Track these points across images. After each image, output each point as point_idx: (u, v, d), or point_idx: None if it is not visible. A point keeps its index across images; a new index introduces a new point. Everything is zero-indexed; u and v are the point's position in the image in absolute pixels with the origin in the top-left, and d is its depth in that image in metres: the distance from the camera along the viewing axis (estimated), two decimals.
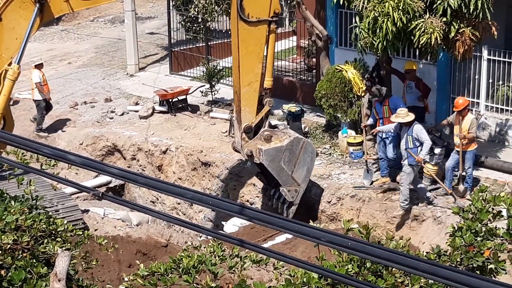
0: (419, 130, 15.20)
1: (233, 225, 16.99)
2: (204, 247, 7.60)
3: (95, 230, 16.13)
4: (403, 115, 15.23)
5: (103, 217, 17.64)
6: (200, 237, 15.96)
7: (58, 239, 7.40)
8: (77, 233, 7.77)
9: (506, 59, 17.85)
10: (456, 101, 15.88)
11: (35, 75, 21.63)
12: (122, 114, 22.52)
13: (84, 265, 7.75)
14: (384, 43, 15.31)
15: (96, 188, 18.69)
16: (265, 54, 15.50)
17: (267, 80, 15.50)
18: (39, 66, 21.90)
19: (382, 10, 15.02)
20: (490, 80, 18.29)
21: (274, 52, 15.71)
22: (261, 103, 15.59)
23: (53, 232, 7.48)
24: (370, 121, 16.90)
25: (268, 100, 15.54)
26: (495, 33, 15.54)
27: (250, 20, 14.95)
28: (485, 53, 18.09)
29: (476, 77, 18.38)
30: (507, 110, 18.24)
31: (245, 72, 15.17)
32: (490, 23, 15.40)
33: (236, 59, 15.34)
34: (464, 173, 15.79)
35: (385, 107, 16.45)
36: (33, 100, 21.84)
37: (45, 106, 21.80)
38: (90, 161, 4.53)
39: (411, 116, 15.18)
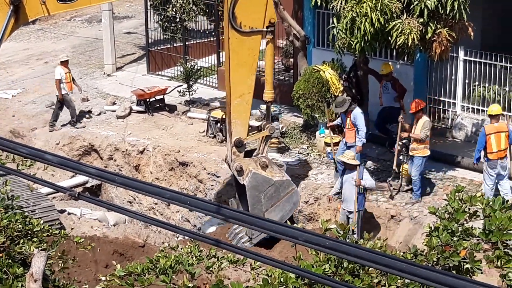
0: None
1: (210, 225, 16.99)
2: (182, 248, 7.59)
3: (72, 230, 16.05)
4: (349, 157, 14.93)
5: (80, 217, 17.57)
6: (177, 237, 15.93)
7: (34, 239, 7.36)
8: (53, 233, 7.73)
9: (482, 60, 17.96)
10: (410, 103, 16.01)
11: (56, 72, 21.50)
12: (99, 114, 22.44)
13: (60, 265, 7.71)
14: (362, 44, 15.34)
15: (73, 188, 18.68)
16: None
17: (267, 93, 14.90)
18: (64, 63, 21.64)
19: (360, 10, 15.05)
20: (466, 81, 18.39)
21: (273, 63, 15.05)
22: (269, 116, 15.28)
23: (29, 232, 7.45)
24: (337, 121, 16.84)
25: (269, 127, 14.95)
26: (472, 33, 15.63)
27: (242, 30, 14.24)
28: (461, 53, 18.19)
29: (453, 77, 18.48)
30: (483, 111, 18.33)
31: (237, 83, 14.41)
32: (466, 23, 15.48)
33: (227, 70, 14.62)
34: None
35: (348, 119, 16.34)
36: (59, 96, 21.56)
37: (69, 100, 21.51)
38: (67, 160, 4.52)
39: (355, 162, 14.94)
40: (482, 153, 15.39)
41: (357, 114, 16.23)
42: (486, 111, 17.60)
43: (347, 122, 16.33)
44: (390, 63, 18.18)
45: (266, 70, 14.82)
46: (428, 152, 15.77)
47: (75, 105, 21.90)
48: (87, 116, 22.35)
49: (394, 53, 18.08)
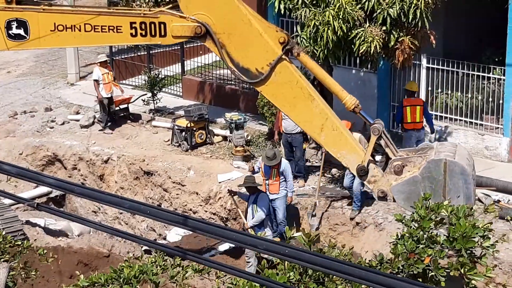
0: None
1: (176, 234, 16.93)
2: (146, 258, 7.55)
3: (35, 240, 15.90)
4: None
5: (44, 227, 17.42)
6: (142, 247, 15.85)
7: None
8: (16, 244, 7.66)
9: (445, 67, 18.12)
10: None
11: (94, 73, 21.28)
12: (63, 123, 22.26)
13: (23, 275, 7.64)
14: (325, 52, 15.41)
15: (36, 199, 18.51)
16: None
17: (345, 101, 11.31)
18: (102, 64, 21.25)
19: (323, 19, 15.11)
20: (429, 88, 18.53)
21: (323, 72, 11.74)
22: (367, 120, 11.56)
23: None
24: (256, 167, 16.40)
25: (372, 128, 11.32)
26: (434, 41, 15.76)
27: (257, 80, 11.22)
28: (424, 61, 18.33)
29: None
30: (446, 117, 18.49)
31: (307, 123, 11.49)
32: (428, 32, 15.61)
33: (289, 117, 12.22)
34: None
35: (275, 170, 15.79)
36: (98, 98, 21.32)
37: (107, 104, 21.19)
38: (25, 171, 4.47)
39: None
40: None
41: (287, 165, 15.98)
42: (448, 117, 17.83)
43: (272, 174, 15.84)
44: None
45: (324, 82, 11.65)
46: None
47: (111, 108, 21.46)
48: (49, 126, 22.16)
49: (358, 61, 18.16)
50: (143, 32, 11.13)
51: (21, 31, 11.20)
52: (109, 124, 21.28)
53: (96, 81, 21.02)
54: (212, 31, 10.99)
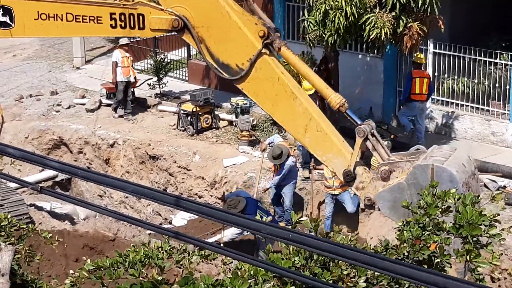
0: None
1: (181, 219, 16.94)
2: (155, 242, 7.55)
3: (40, 224, 15.93)
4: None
5: (50, 211, 17.45)
6: (149, 232, 15.87)
7: (2, 234, 7.29)
8: (21, 227, 7.67)
9: (452, 53, 18.06)
10: None
11: (114, 55, 21.18)
12: (69, 107, 22.26)
13: (28, 259, 7.65)
14: (335, 37, 15.34)
15: (41, 182, 18.54)
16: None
17: (330, 99, 10.51)
18: (122, 46, 21.01)
19: (335, 3, 15.03)
20: (436, 73, 18.48)
21: (306, 67, 10.96)
22: (355, 120, 10.54)
23: None
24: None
25: (357, 130, 10.31)
26: (442, 27, 15.69)
27: (238, 77, 10.58)
28: (430, 46, 18.28)
29: (422, 70, 18.56)
30: (452, 103, 18.46)
31: (290, 122, 10.75)
32: (437, 17, 15.54)
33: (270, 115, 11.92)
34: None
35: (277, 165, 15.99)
36: (112, 81, 21.23)
37: (123, 88, 20.98)
38: (30, 154, 4.46)
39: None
40: None
41: (288, 165, 15.90)
42: (454, 103, 17.80)
43: (275, 167, 16.19)
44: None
45: (307, 79, 11.20)
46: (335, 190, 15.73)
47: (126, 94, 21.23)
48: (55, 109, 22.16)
49: (365, 47, 18.11)
50: (123, 24, 10.78)
51: (7, 19, 11.03)
52: (121, 108, 21.12)
53: (115, 63, 20.91)
54: (190, 24, 10.49)
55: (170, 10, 10.50)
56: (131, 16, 10.72)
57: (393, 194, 10.08)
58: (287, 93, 10.44)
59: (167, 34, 11.30)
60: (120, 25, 10.76)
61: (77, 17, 10.85)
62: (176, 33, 10.73)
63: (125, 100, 21.09)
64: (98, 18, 10.77)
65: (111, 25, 10.77)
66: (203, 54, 10.60)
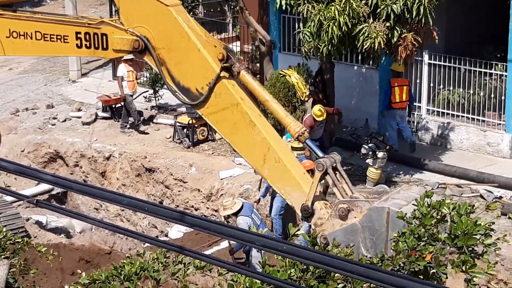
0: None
1: (177, 231, 16.92)
2: (150, 254, 7.54)
3: (35, 237, 15.90)
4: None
5: (46, 224, 17.42)
6: (144, 244, 15.83)
7: None
8: (16, 240, 7.65)
9: (447, 64, 18.09)
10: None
11: (119, 69, 21.13)
12: (65, 120, 22.26)
13: (22, 273, 7.63)
14: (329, 48, 15.36)
15: (38, 196, 18.50)
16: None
17: (289, 128, 9.97)
18: (127, 61, 20.84)
19: (329, 14, 15.06)
20: (431, 84, 18.51)
21: (261, 92, 10.11)
22: (316, 153, 10.05)
23: None
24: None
25: (316, 164, 9.72)
26: (436, 38, 15.72)
27: (197, 102, 10.05)
28: (426, 57, 18.31)
29: (418, 81, 18.59)
30: (448, 114, 18.47)
31: (249, 151, 10.12)
32: (431, 28, 15.57)
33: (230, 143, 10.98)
34: None
35: None
36: (120, 95, 21.14)
37: (130, 101, 20.95)
38: (24, 168, 4.46)
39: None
40: None
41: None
42: (450, 114, 17.82)
43: None
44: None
45: (265, 105, 10.27)
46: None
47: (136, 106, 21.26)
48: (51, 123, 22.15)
49: (360, 58, 18.14)
50: (88, 44, 10.43)
51: None
52: (130, 122, 21.10)
53: (121, 78, 20.90)
54: (151, 45, 10.04)
55: (132, 30, 10.11)
56: (95, 36, 10.39)
57: (346, 235, 9.27)
58: (246, 121, 9.85)
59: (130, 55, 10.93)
60: (85, 45, 10.43)
61: (45, 35, 10.65)
62: (139, 54, 10.27)
63: (126, 113, 21.09)
64: (65, 37, 10.52)
65: (76, 45, 10.48)
66: (163, 77, 10.16)
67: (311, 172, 14.59)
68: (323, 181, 9.84)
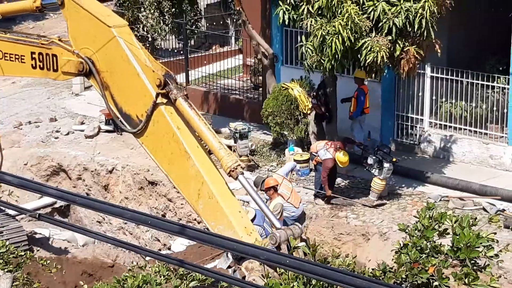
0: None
1: (180, 244, 16.90)
2: (150, 267, 7.55)
3: (37, 250, 15.90)
4: None
5: (49, 238, 17.42)
6: (146, 257, 15.82)
7: (0, 261, 7.28)
8: (19, 254, 7.66)
9: (449, 76, 18.10)
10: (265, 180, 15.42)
11: None
12: (68, 133, 22.30)
13: (26, 286, 7.64)
14: (332, 62, 15.39)
15: (41, 209, 18.51)
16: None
17: (222, 161, 9.39)
18: None
19: (332, 28, 15.09)
20: (434, 97, 18.52)
21: (197, 122, 9.44)
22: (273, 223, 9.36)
23: None
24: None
25: (272, 234, 8.85)
26: (439, 51, 15.74)
27: (136, 130, 9.51)
28: (428, 70, 18.32)
29: (420, 94, 18.60)
30: (450, 127, 18.47)
31: (185, 187, 9.47)
32: (433, 41, 15.60)
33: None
34: None
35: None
36: None
37: None
38: (28, 181, 4.48)
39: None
40: None
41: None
42: (452, 126, 17.83)
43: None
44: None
45: (201, 136, 9.54)
46: None
47: None
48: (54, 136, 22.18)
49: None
50: (41, 64, 10.06)
51: None
52: None
53: None
54: (95, 69, 9.54)
55: (77, 52, 9.67)
56: (47, 57, 10.01)
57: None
58: (181, 151, 9.24)
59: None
60: (39, 66, 10.10)
61: (5, 55, 10.43)
62: (85, 77, 9.85)
63: None
64: (22, 57, 10.27)
65: (32, 65, 10.18)
66: (106, 103, 9.62)
67: (273, 189, 14.73)
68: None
